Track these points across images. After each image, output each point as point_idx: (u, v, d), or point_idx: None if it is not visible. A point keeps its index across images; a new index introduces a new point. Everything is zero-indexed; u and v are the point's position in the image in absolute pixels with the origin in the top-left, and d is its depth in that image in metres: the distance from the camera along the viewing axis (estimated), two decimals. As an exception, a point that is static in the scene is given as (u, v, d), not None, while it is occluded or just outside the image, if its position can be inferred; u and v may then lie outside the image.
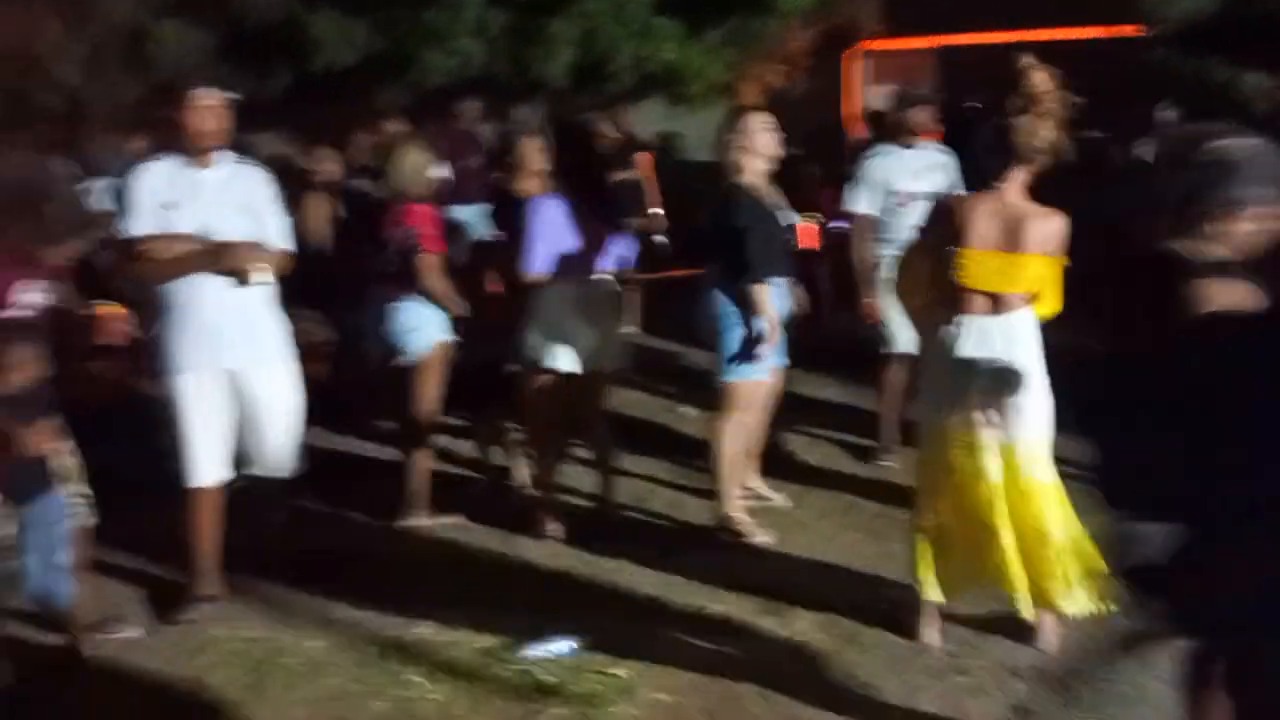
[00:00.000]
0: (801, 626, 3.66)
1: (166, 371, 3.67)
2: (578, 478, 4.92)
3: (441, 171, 4.86)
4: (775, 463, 5.01)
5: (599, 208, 4.39)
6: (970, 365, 3.31)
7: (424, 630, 3.68)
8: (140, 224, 3.55)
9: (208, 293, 3.62)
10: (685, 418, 6.09)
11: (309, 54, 7.98)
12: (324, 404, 4.22)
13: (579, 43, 8.46)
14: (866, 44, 12.63)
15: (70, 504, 3.39)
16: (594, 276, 4.37)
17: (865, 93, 12.93)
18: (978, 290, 3.31)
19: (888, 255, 4.96)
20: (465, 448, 5.39)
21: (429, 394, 4.53)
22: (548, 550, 4.30)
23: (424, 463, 4.59)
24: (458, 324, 4.60)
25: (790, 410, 5.16)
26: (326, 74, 8.32)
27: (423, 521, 4.58)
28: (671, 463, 5.32)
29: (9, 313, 3.23)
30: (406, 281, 4.40)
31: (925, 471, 3.50)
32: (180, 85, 3.67)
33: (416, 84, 8.18)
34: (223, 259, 3.61)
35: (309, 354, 4.19)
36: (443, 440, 5.10)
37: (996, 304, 3.31)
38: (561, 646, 3.51)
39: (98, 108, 8.14)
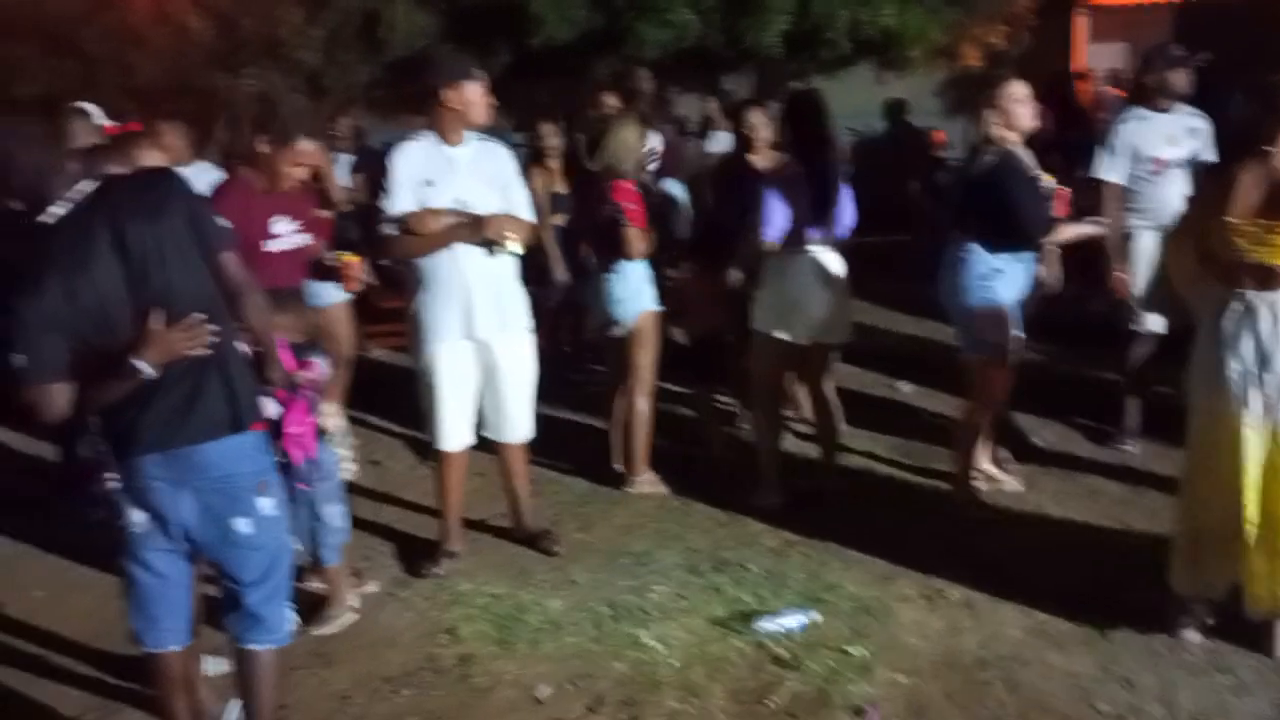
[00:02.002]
0: (1045, 614, 3.53)
1: (423, 341, 3.86)
2: (799, 450, 4.89)
3: (655, 145, 4.91)
4: (1006, 443, 4.83)
5: (826, 176, 4.33)
6: (1240, 344, 3.10)
7: (657, 596, 3.77)
8: (402, 200, 3.74)
9: (464, 264, 3.79)
10: (901, 392, 5.97)
11: (528, 31, 8.17)
12: (546, 372, 4.35)
13: (794, 10, 8.31)
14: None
15: (339, 460, 3.62)
16: (821, 246, 4.33)
17: (1087, 52, 12.22)
18: (1250, 264, 3.08)
19: (1137, 226, 4.67)
20: (685, 417, 5.45)
21: (642, 362, 4.60)
22: (771, 523, 4.30)
23: (641, 431, 4.67)
24: (669, 294, 4.64)
25: (1020, 388, 4.96)
26: (544, 50, 8.51)
27: (644, 489, 4.67)
28: (891, 437, 5.22)
29: (269, 245, 3.46)
30: (615, 254, 4.46)
31: (1192, 457, 3.30)
32: (453, 70, 3.80)
33: (631, 57, 8.24)
34: (481, 231, 3.77)
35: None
36: (663, 409, 5.15)
37: (1271, 278, 3.07)
38: (794, 621, 3.52)
39: (334, 89, 8.64)
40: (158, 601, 2.72)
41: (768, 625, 3.50)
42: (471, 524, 4.30)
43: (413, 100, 7.38)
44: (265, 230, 3.48)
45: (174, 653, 2.77)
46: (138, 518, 2.65)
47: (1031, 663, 3.29)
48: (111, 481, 4.21)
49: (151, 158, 3.49)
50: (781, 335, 4.34)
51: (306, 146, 5.11)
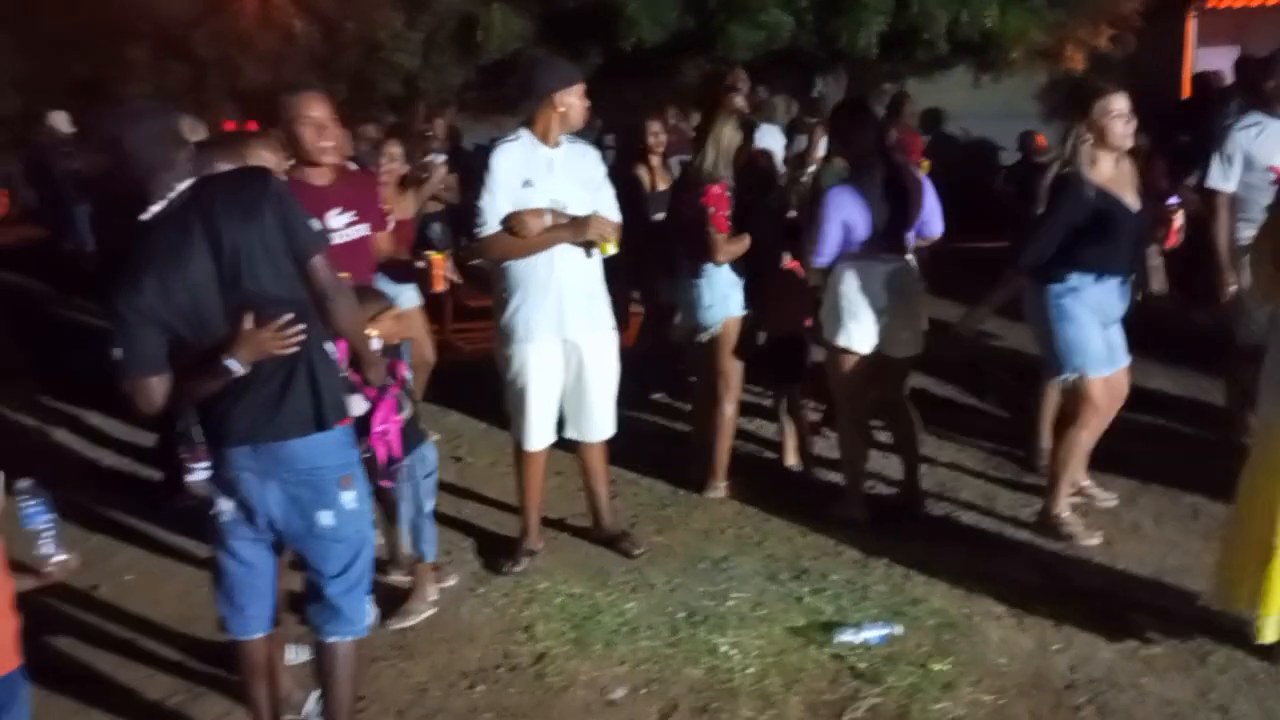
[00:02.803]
0: (1139, 638, 3.39)
1: (514, 340, 3.88)
2: (881, 462, 4.80)
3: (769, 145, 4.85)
4: (1104, 459, 4.66)
5: (902, 183, 4.23)
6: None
7: (734, 603, 3.72)
8: (501, 201, 3.76)
9: (558, 265, 3.80)
10: (990, 404, 5.81)
11: (620, 34, 8.19)
12: (631, 374, 4.34)
13: (891, 10, 8.18)
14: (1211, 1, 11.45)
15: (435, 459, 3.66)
16: (897, 254, 4.23)
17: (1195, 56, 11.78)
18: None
19: (1249, 236, 4.47)
20: (766, 425, 5.39)
21: (726, 368, 4.55)
22: (853, 535, 4.21)
23: (725, 436, 4.63)
24: (756, 300, 4.58)
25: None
26: (634, 52, 8.52)
27: (722, 494, 4.63)
28: (979, 451, 5.08)
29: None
30: (702, 257, 4.42)
31: (1249, 471, 3.18)
32: (565, 73, 3.83)
33: (722, 59, 8.21)
34: (580, 232, 3.79)
35: (630, 324, 4.31)
36: (744, 416, 5.10)
37: None
38: (875, 634, 3.44)
39: (429, 91, 8.79)
40: (243, 589, 2.78)
41: (848, 637, 3.43)
42: (550, 523, 4.31)
43: (508, 102, 7.50)
44: (323, 224, 3.51)
45: (257, 640, 2.83)
46: (226, 506, 2.71)
47: (1124, 687, 3.16)
48: (203, 470, 4.32)
49: (261, 158, 3.57)
50: (847, 344, 4.25)
51: (394, 149, 5.23)
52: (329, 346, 2.74)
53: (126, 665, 3.43)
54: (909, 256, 4.29)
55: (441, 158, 6.78)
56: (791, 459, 4.96)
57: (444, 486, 4.53)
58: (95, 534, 4.32)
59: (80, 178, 5.81)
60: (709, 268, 4.39)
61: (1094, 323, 3.97)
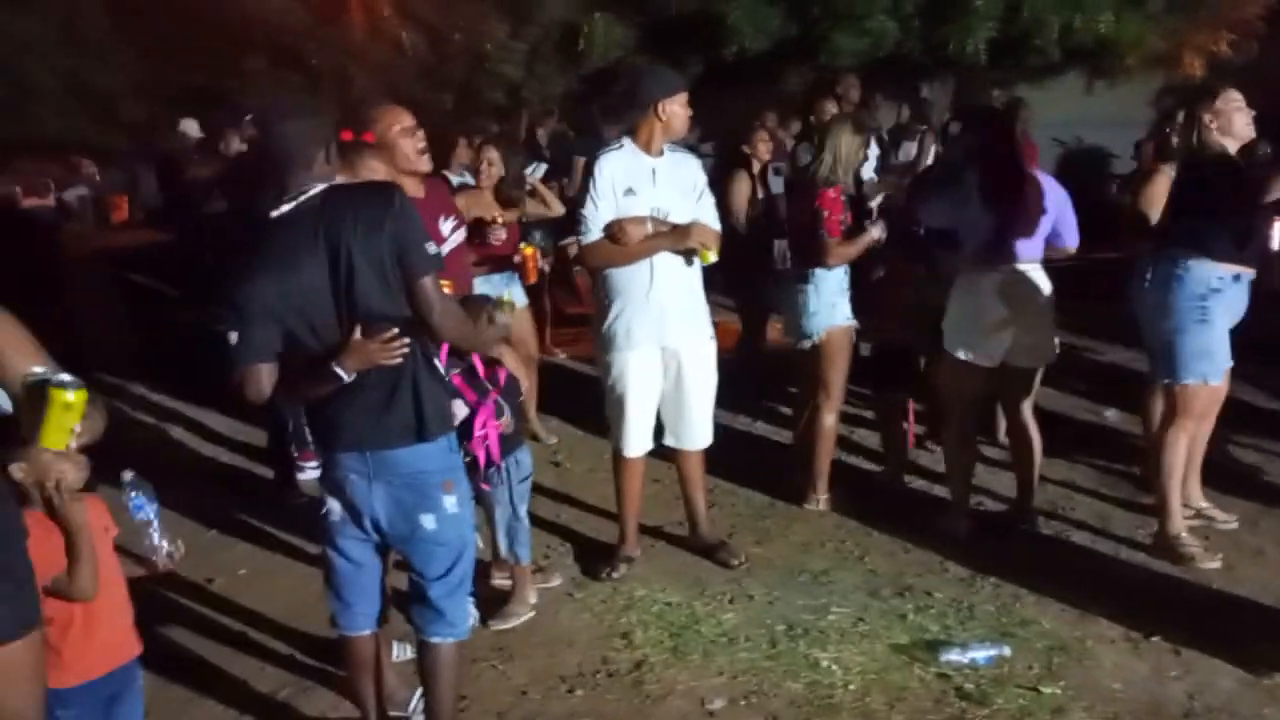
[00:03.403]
0: (1262, 668, 3.23)
1: (613, 349, 3.89)
2: (988, 477, 4.67)
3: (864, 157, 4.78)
4: (1222, 478, 4.47)
5: (1023, 191, 4.12)
6: None
7: (835, 617, 3.66)
8: (603, 209, 3.78)
9: (659, 273, 3.81)
10: (1107, 420, 5.62)
11: (722, 42, 8.17)
12: (729, 382, 4.31)
13: (1001, 16, 7.99)
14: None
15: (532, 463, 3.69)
16: (1020, 263, 4.12)
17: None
18: None
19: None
20: (869, 436, 5.30)
21: (828, 377, 4.48)
22: (959, 551, 4.11)
23: (826, 447, 4.56)
24: (864, 309, 4.51)
25: (1237, 418, 4.58)
26: (736, 60, 8.49)
27: (822, 506, 4.56)
28: (1093, 469, 4.92)
29: (445, 247, 3.53)
30: (811, 262, 4.37)
31: None
32: (672, 82, 3.85)
33: (825, 67, 8.13)
34: (682, 240, 3.80)
35: (719, 333, 4.28)
36: (845, 426, 5.03)
37: None
38: (982, 654, 3.35)
39: (532, 100, 8.90)
40: (351, 586, 2.83)
41: (954, 656, 3.34)
42: (647, 530, 4.31)
43: (611, 110, 7.56)
44: (439, 234, 3.57)
45: (365, 636, 2.88)
46: (334, 506, 2.78)
47: (1245, 717, 3.01)
48: (313, 469, 4.45)
49: (371, 169, 3.65)
50: (968, 356, 4.15)
51: (492, 154, 5.30)
52: (435, 361, 2.77)
53: (238, 657, 3.53)
54: (1034, 265, 4.17)
55: (541, 166, 6.88)
56: (893, 468, 4.87)
57: (542, 491, 4.59)
58: (211, 529, 4.47)
59: (206, 181, 6.02)
60: (817, 274, 4.35)
61: (1225, 327, 3.83)
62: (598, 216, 3.78)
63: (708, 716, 3.15)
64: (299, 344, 2.60)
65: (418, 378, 2.66)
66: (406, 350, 2.59)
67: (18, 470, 2.07)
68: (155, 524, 2.55)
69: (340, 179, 2.73)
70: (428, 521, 2.71)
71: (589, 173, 3.83)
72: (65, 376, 1.99)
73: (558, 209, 5.71)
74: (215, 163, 6.50)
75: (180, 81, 8.64)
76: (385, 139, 3.32)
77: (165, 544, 2.55)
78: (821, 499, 4.56)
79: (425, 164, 3.44)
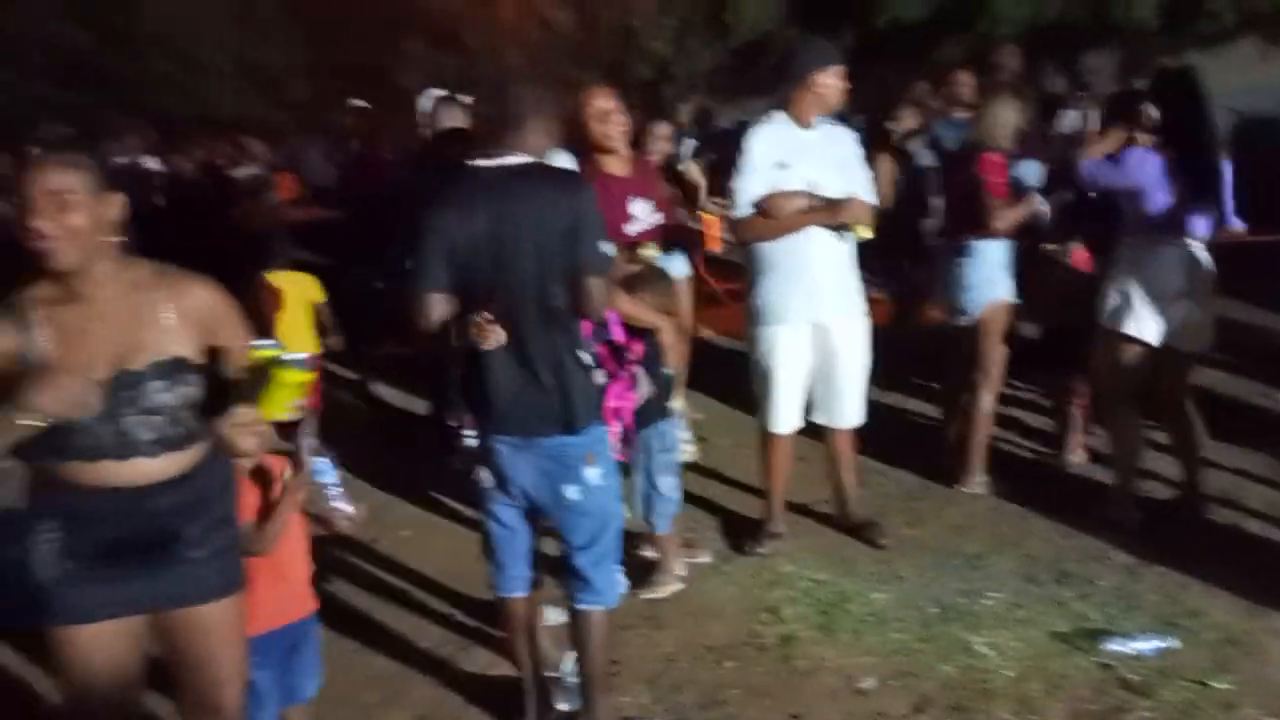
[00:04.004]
0: None
1: (762, 323, 3.88)
2: (1154, 462, 4.47)
3: (1023, 125, 4.62)
4: None
5: (1203, 164, 3.90)
6: None
7: (990, 602, 3.59)
8: (756, 183, 3.77)
9: (811, 248, 3.78)
10: (1281, 404, 5.32)
11: (875, 12, 8.01)
12: (880, 360, 4.24)
13: (1174, -20, 7.59)
14: None
15: (678, 437, 3.72)
16: (1188, 241, 3.91)
17: None
18: None
19: None
20: (1026, 417, 5.15)
21: (987, 356, 4.36)
22: (1123, 538, 3.96)
23: (982, 428, 4.44)
24: (1025, 285, 4.36)
25: None
26: (889, 31, 8.32)
27: (979, 489, 4.45)
28: (1267, 456, 4.65)
29: (629, 228, 3.58)
30: (969, 232, 4.24)
31: None
32: (825, 54, 3.79)
33: (984, 35, 7.88)
34: (833, 215, 3.74)
35: (873, 309, 4.21)
36: (1001, 406, 4.88)
37: None
38: (1148, 645, 3.23)
39: (680, 75, 8.93)
40: (504, 550, 2.93)
41: (1117, 646, 3.24)
42: (794, 507, 4.29)
43: (762, 83, 7.51)
44: (625, 213, 3.62)
45: (519, 598, 2.98)
46: (486, 474, 2.88)
47: None
48: (470, 437, 4.58)
49: (538, 141, 3.73)
50: (1135, 333, 3.97)
51: (663, 130, 5.32)
52: (584, 354, 2.81)
53: (403, 615, 3.70)
54: (1201, 244, 3.97)
55: (692, 142, 6.88)
56: (1077, 455, 4.70)
57: (687, 466, 4.60)
58: (377, 491, 4.67)
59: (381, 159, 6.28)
60: (975, 246, 4.23)
61: None
62: (749, 191, 3.77)
63: (857, 694, 3.14)
64: (461, 293, 2.69)
65: (568, 369, 2.72)
66: (497, 343, 2.61)
67: (236, 431, 2.22)
68: (335, 487, 2.69)
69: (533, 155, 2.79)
70: (571, 492, 2.78)
71: (740, 147, 3.82)
72: (294, 356, 2.14)
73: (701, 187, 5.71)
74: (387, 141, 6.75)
75: (342, 61, 9.02)
76: (574, 118, 3.41)
77: (345, 506, 2.69)
78: (978, 481, 4.46)
79: (613, 141, 3.48)
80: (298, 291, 4.93)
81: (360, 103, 6.97)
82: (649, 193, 3.69)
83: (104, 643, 2.19)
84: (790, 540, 4.10)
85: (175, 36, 9.49)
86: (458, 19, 8.28)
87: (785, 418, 3.98)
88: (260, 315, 4.56)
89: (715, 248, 3.94)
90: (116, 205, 2.14)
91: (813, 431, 4.14)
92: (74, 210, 2.05)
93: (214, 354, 2.24)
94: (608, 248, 2.74)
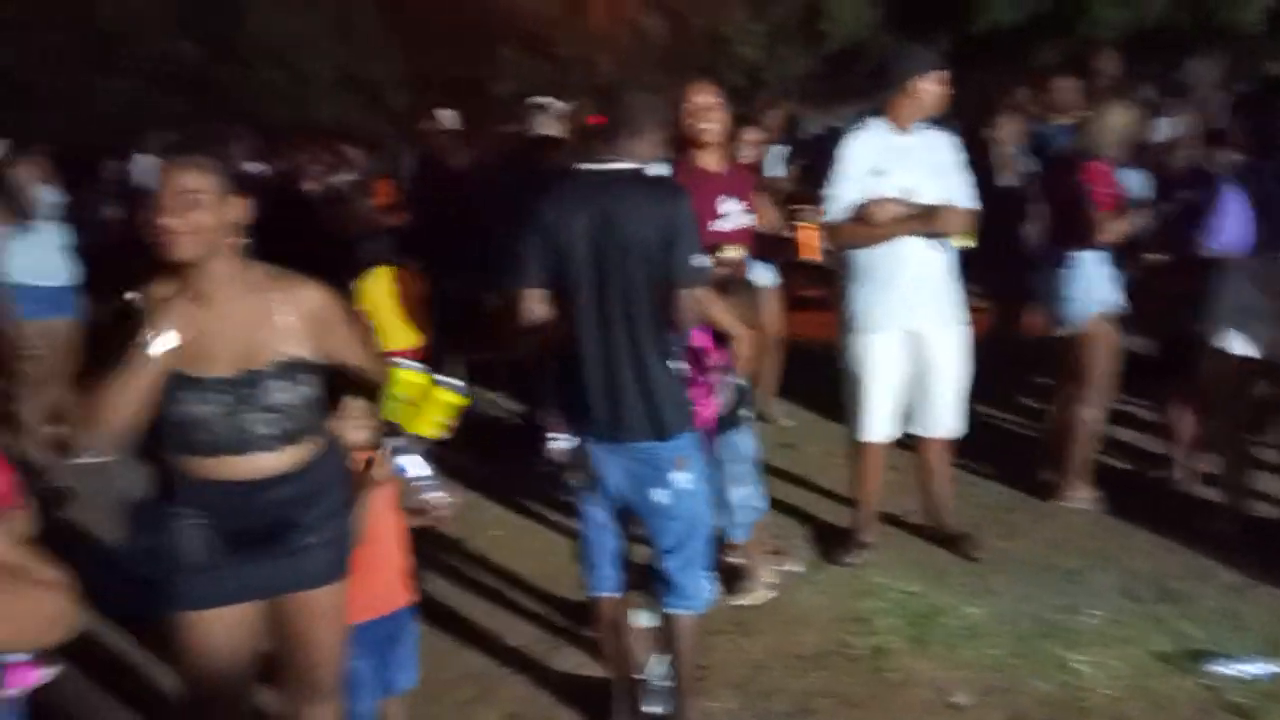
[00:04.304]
0: None
1: (855, 331, 3.85)
2: (1263, 480, 4.31)
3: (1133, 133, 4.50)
4: None
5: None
6: None
7: (1088, 619, 3.50)
8: (850, 189, 3.74)
9: (906, 255, 3.73)
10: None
11: (972, 17, 7.89)
12: (977, 371, 4.17)
13: (1288, -19, 7.32)
14: None
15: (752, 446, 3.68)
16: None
17: None
18: None
19: None
20: (1124, 431, 5.01)
21: (1090, 368, 4.25)
22: (1229, 556, 3.83)
23: (1083, 441, 4.34)
24: (1132, 296, 4.24)
25: None
26: (986, 36, 8.18)
27: (1080, 504, 4.35)
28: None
29: (716, 225, 3.58)
30: (1072, 242, 4.14)
31: None
32: (926, 60, 3.76)
33: (1085, 39, 7.69)
34: (929, 222, 3.69)
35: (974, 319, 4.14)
36: (1108, 421, 4.75)
37: None
38: (1256, 667, 3.12)
39: (771, 82, 8.90)
40: (596, 550, 2.96)
41: (1222, 668, 3.14)
42: (885, 517, 4.25)
43: (854, 90, 7.46)
44: (714, 210, 3.62)
45: (609, 599, 3.00)
46: (578, 475, 2.92)
47: None
48: (561, 440, 4.63)
49: (628, 154, 3.76)
50: (1244, 349, 3.83)
51: (752, 135, 5.30)
52: (676, 363, 2.83)
53: (494, 613, 3.75)
54: None
55: (782, 148, 6.84)
56: (1183, 470, 4.56)
57: (776, 474, 4.60)
58: (469, 492, 4.74)
59: (462, 167, 6.38)
60: (1077, 256, 4.14)
61: None
62: (842, 196, 3.74)
63: (950, 708, 3.09)
64: (559, 295, 2.75)
65: (660, 377, 2.74)
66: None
67: (348, 426, 2.31)
68: (427, 480, 2.76)
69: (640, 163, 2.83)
70: (659, 496, 2.80)
71: (835, 152, 3.79)
72: (452, 380, 2.21)
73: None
74: (467, 151, 6.86)
75: (439, 71, 9.21)
76: (678, 114, 3.43)
77: (438, 496, 2.76)
78: (1079, 496, 4.35)
79: (707, 135, 3.50)
80: (397, 291, 5.04)
81: (444, 112, 7.10)
82: (741, 193, 3.69)
83: (223, 629, 2.28)
84: (881, 551, 4.06)
85: (280, 48, 9.82)
86: (551, 27, 8.38)
87: (877, 426, 3.94)
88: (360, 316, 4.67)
89: (814, 257, 3.89)
90: (239, 208, 2.24)
91: (905, 441, 4.10)
92: (201, 209, 2.14)
93: (326, 353, 2.32)
94: (702, 261, 2.75)
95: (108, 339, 2.18)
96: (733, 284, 3.60)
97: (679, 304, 2.69)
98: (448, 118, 6.45)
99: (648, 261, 2.67)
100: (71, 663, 3.04)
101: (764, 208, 5.13)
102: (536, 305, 2.77)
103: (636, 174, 2.76)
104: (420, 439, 2.63)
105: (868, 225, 3.71)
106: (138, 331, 2.11)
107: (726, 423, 3.61)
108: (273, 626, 2.39)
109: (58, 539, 1.85)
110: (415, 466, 2.78)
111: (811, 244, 3.82)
